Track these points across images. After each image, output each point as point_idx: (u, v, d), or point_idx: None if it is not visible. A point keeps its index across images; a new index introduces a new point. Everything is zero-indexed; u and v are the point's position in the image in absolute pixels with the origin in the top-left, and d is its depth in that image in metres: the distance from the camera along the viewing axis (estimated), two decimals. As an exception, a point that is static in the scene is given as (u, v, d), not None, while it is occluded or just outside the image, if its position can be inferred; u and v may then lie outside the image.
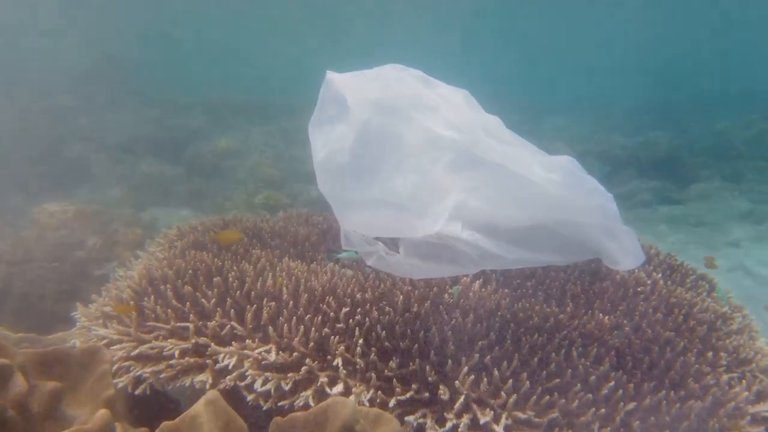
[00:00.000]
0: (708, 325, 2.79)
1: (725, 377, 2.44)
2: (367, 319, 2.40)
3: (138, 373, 2.30)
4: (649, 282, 3.10)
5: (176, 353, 2.30)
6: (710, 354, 2.54)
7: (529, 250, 2.10)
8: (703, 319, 2.83)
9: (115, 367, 2.29)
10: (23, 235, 4.24)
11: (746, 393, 2.37)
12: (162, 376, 2.27)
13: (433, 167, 2.03)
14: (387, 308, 2.49)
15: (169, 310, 2.46)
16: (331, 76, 2.20)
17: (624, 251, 2.16)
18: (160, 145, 11.19)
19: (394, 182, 2.06)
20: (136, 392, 2.29)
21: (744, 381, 2.45)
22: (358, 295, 2.60)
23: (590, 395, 2.18)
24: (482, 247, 2.03)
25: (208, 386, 2.21)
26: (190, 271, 2.67)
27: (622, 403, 2.18)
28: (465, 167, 2.03)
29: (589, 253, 2.20)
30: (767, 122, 16.13)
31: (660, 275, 3.22)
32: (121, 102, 13.40)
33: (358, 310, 2.47)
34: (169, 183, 9.89)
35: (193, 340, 2.35)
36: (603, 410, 2.12)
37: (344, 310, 2.45)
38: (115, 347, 2.37)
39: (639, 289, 2.97)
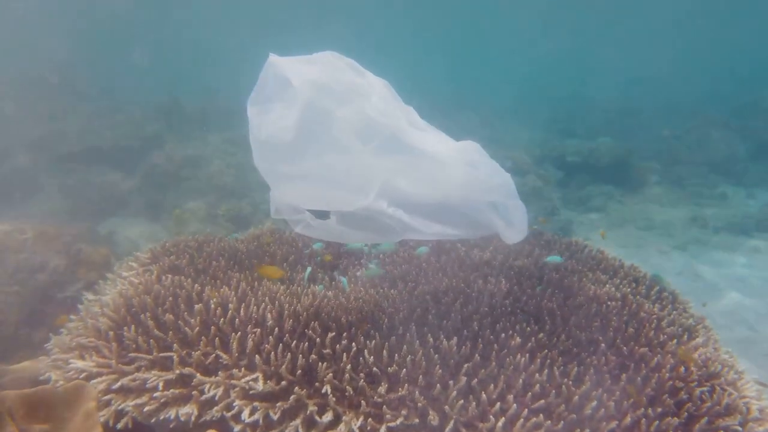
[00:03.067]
0: (677, 339, 2.90)
1: (697, 392, 2.54)
2: (353, 344, 2.41)
3: (120, 407, 2.24)
4: (618, 296, 3.20)
5: (160, 385, 2.25)
6: (682, 369, 2.65)
7: (442, 224, 2.40)
8: (672, 333, 2.94)
9: (95, 401, 2.22)
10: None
11: (717, 407, 2.48)
12: (146, 409, 2.22)
13: (365, 148, 2.23)
14: (372, 332, 2.50)
15: (151, 340, 2.40)
16: (274, 59, 2.33)
17: (512, 227, 2.52)
18: (112, 154, 10.84)
19: (329, 160, 2.25)
20: (118, 426, 2.23)
21: (714, 395, 2.56)
22: (343, 318, 2.60)
23: (574, 415, 2.24)
24: (404, 221, 2.29)
25: (193, 418, 2.18)
26: (170, 298, 2.62)
27: (604, 423, 2.25)
28: (391, 150, 2.25)
29: (488, 228, 2.51)
30: (709, 128, 16.83)
31: (628, 289, 3.33)
32: (69, 109, 12.93)
33: (344, 334, 2.47)
34: (124, 194, 9.60)
35: (178, 371, 2.31)
36: (587, 431, 2.19)
37: (330, 335, 2.45)
38: (95, 380, 2.30)
39: (611, 304, 3.06)
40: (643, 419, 2.29)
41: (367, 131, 2.23)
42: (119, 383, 2.29)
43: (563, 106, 22.48)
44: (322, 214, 2.45)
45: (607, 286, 3.31)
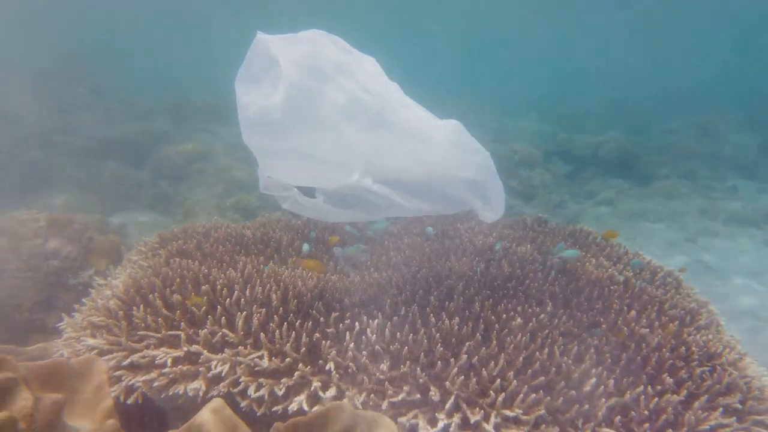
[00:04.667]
0: (679, 321, 2.93)
1: (698, 371, 2.56)
2: (356, 323, 2.46)
3: (130, 383, 2.30)
4: (621, 280, 3.23)
5: (168, 361, 2.31)
6: (683, 349, 2.67)
7: (424, 200, 2.45)
8: (674, 315, 2.97)
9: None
10: (-6, 245, 4.15)
11: (718, 386, 2.51)
12: (155, 384, 2.28)
13: (350, 125, 2.28)
14: (375, 312, 2.55)
15: (159, 319, 2.46)
16: (262, 36, 2.37)
17: (489, 205, 2.56)
18: (123, 148, 10.96)
19: (316, 137, 2.30)
20: (128, 401, 2.29)
21: (715, 374, 2.59)
22: (346, 300, 2.65)
23: (573, 392, 2.27)
24: (388, 198, 2.34)
25: (201, 393, 2.23)
26: (178, 279, 2.68)
27: (603, 399, 2.28)
28: (377, 127, 2.30)
29: (466, 204, 2.56)
30: (719, 122, 16.75)
31: (631, 273, 3.36)
32: (81, 104, 13.07)
33: (347, 314, 2.52)
34: (134, 187, 9.70)
35: (185, 348, 2.37)
36: (586, 406, 2.22)
37: (334, 315, 2.50)
38: (105, 357, 2.36)
39: (613, 287, 3.09)
40: (642, 396, 2.32)
41: (352, 109, 2.28)
42: (129, 360, 2.35)
43: (573, 102, 22.45)
44: (310, 191, 2.50)
45: (610, 270, 3.33)
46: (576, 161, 13.66)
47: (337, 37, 2.47)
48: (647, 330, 2.73)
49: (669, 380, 2.46)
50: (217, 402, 1.70)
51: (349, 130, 2.26)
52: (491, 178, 2.52)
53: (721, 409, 2.40)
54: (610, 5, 33.63)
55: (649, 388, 2.40)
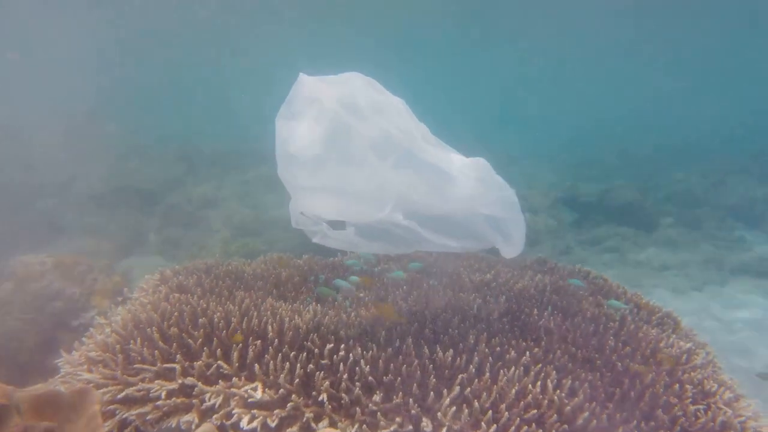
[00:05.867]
0: (674, 359, 2.92)
1: (692, 408, 2.55)
2: (351, 355, 2.48)
3: (124, 416, 2.32)
4: (617, 317, 3.24)
5: (163, 394, 2.33)
6: (677, 386, 2.66)
7: (451, 236, 2.56)
8: (669, 353, 2.96)
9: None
10: (0, 288, 4.21)
11: (711, 424, 2.49)
12: (148, 417, 2.29)
13: (383, 162, 2.39)
14: (370, 344, 2.57)
15: (156, 352, 2.50)
16: (304, 77, 2.51)
17: (511, 240, 2.68)
18: (134, 195, 11.16)
19: (351, 173, 2.41)
20: (122, 436, 2.30)
21: (709, 412, 2.57)
22: (342, 332, 2.68)
23: (566, 426, 2.27)
24: (417, 232, 2.44)
25: (194, 426, 2.24)
26: (176, 314, 2.72)
27: (596, 432, 2.27)
28: (407, 164, 2.42)
29: (490, 241, 2.66)
30: (726, 172, 16.82)
31: (628, 312, 3.36)
32: (94, 152, 13.37)
33: (342, 346, 2.54)
34: (144, 233, 9.84)
35: (180, 381, 2.39)
36: (579, 439, 2.22)
37: (328, 346, 2.52)
38: (101, 391, 2.39)
39: (609, 325, 3.10)
40: (635, 431, 2.31)
41: (385, 146, 2.39)
42: (124, 393, 2.37)
43: (583, 151, 22.72)
44: (339, 226, 2.59)
45: (606, 308, 3.34)
46: (582, 208, 13.69)
47: (372, 79, 2.60)
48: (642, 367, 2.73)
49: (663, 417, 2.45)
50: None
51: (382, 167, 2.37)
52: (515, 215, 2.63)
53: (715, 446, 2.38)
54: (620, 57, 34.34)
55: (643, 423, 2.39)
